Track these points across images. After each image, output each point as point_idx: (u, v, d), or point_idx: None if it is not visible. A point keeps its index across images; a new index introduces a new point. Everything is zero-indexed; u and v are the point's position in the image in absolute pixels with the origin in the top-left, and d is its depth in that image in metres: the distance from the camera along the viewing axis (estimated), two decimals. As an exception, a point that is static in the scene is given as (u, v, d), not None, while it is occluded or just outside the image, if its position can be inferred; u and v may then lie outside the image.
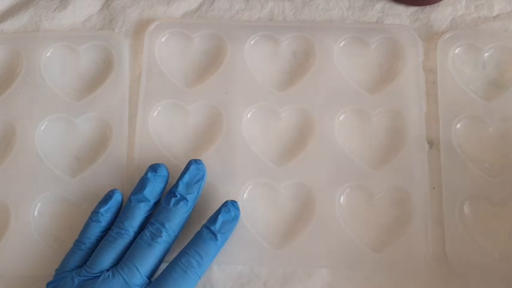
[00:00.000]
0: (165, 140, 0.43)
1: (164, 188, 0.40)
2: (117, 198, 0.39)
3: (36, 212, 0.41)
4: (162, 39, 0.46)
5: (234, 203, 0.40)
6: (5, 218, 0.41)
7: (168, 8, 0.47)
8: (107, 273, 0.36)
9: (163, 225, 0.38)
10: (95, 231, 0.38)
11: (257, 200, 0.42)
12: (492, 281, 0.39)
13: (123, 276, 0.36)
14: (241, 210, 0.40)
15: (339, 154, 0.42)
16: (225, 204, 0.39)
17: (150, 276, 0.37)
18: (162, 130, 0.43)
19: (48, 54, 0.45)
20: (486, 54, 0.45)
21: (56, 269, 0.38)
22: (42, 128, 0.43)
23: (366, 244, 0.40)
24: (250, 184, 0.42)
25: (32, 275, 0.40)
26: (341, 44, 0.45)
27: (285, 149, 0.43)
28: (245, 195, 0.42)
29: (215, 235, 0.38)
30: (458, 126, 0.43)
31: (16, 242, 0.41)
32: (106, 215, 0.39)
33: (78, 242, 0.38)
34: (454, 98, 0.43)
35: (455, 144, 0.42)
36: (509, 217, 0.41)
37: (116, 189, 0.40)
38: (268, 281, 0.40)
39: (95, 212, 0.39)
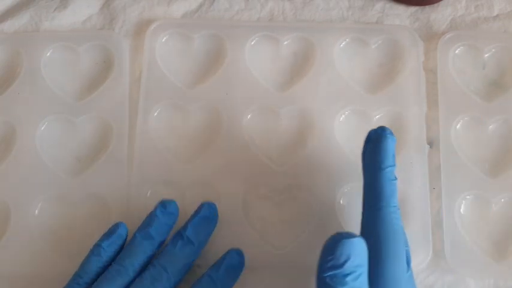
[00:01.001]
0: (165, 140, 0.43)
1: (172, 227, 0.38)
2: (121, 232, 0.37)
3: (36, 212, 0.41)
4: (163, 40, 0.45)
5: (238, 251, 0.38)
6: (5, 217, 0.41)
7: (168, 8, 0.47)
8: None
9: (165, 269, 0.35)
10: (95, 265, 0.36)
11: (258, 201, 0.42)
12: (491, 281, 0.40)
13: None
14: (242, 211, 0.40)
15: (339, 154, 0.42)
16: (229, 252, 0.38)
17: None
18: (163, 130, 0.43)
19: (48, 54, 0.45)
20: (486, 55, 0.45)
21: None
22: (42, 128, 0.43)
23: (366, 244, 0.40)
24: (250, 184, 0.42)
25: (32, 275, 0.40)
26: (341, 45, 0.45)
27: (285, 149, 0.43)
28: (246, 195, 0.42)
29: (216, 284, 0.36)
30: (458, 126, 0.43)
31: (16, 242, 0.40)
32: (108, 249, 0.36)
33: (76, 276, 0.36)
34: (454, 98, 0.43)
35: (455, 144, 0.42)
36: (509, 217, 0.41)
37: (121, 222, 0.38)
38: (269, 282, 0.40)
39: (97, 246, 0.36)
